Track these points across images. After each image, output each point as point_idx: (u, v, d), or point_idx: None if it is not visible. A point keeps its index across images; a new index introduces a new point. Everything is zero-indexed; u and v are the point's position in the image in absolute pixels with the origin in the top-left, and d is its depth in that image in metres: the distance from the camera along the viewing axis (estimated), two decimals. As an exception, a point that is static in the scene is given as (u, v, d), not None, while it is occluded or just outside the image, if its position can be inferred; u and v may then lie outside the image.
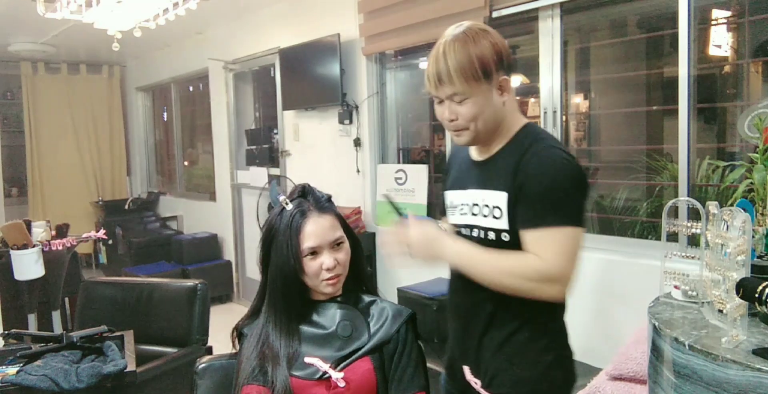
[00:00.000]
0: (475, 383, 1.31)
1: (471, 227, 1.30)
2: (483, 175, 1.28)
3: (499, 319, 1.27)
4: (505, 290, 1.18)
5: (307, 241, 1.26)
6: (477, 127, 1.22)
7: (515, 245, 1.21)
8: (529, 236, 1.17)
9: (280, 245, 1.27)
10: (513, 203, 1.20)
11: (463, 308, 1.34)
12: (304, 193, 1.33)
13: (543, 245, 1.15)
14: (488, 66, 1.17)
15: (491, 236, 1.25)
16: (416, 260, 1.28)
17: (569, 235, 1.15)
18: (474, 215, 1.29)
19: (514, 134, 1.26)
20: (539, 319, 1.26)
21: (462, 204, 1.33)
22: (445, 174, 1.47)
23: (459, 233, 1.34)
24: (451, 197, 1.38)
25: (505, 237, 1.23)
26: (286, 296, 1.28)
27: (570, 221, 1.15)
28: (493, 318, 1.27)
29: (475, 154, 1.33)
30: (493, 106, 1.22)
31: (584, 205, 1.20)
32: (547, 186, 1.16)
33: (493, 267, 1.19)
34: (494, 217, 1.23)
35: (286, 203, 1.30)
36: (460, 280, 1.30)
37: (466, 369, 1.35)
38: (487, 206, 1.25)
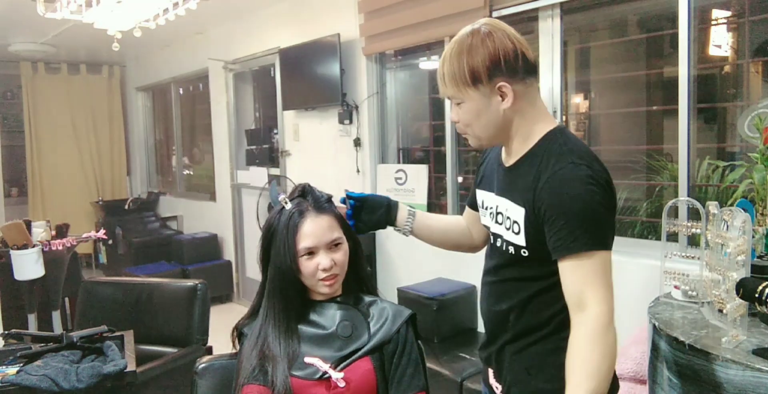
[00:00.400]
0: (497, 387, 1.32)
1: (497, 236, 1.28)
2: (506, 182, 1.25)
3: (521, 328, 1.24)
4: (610, 363, 1.10)
5: (304, 241, 1.26)
6: (474, 131, 1.21)
7: (534, 259, 1.19)
8: (562, 267, 1.13)
9: (278, 244, 1.27)
10: (531, 220, 1.16)
11: (490, 314, 1.32)
12: (304, 193, 1.33)
13: (576, 281, 1.10)
14: (478, 72, 1.14)
15: (511, 250, 1.23)
16: None
17: (600, 262, 1.09)
18: (498, 223, 1.27)
19: (536, 143, 1.20)
20: (562, 333, 1.18)
21: (490, 207, 1.31)
22: (478, 167, 1.43)
23: (491, 239, 1.32)
24: (482, 196, 1.35)
25: (524, 253, 1.20)
26: (285, 295, 1.29)
27: (599, 246, 1.10)
28: (515, 326, 1.25)
29: (504, 156, 1.28)
30: (491, 112, 1.18)
31: (611, 219, 1.14)
32: (571, 209, 1.09)
33: (590, 372, 1.08)
34: (514, 232, 1.21)
35: (286, 202, 1.30)
36: (487, 286, 1.32)
37: (491, 372, 1.35)
38: (509, 218, 1.22)
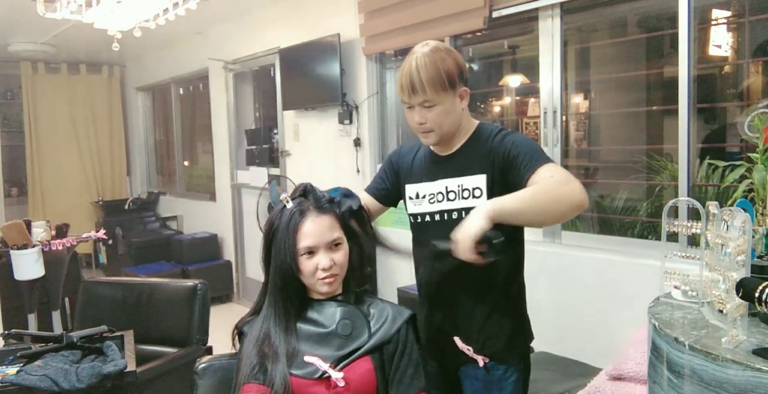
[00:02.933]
0: (468, 349, 1.50)
1: (448, 212, 1.49)
2: (453, 166, 1.50)
3: (482, 293, 1.50)
4: (560, 207, 1.32)
5: (304, 240, 1.26)
6: (442, 129, 1.45)
7: None
8: (536, 175, 1.36)
9: (279, 243, 1.28)
10: (495, 178, 1.43)
11: (445, 292, 1.54)
12: (305, 192, 1.34)
13: (544, 172, 1.35)
14: (453, 78, 1.41)
15: (460, 216, 1.43)
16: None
17: (558, 166, 1.44)
18: (450, 200, 1.49)
19: (473, 132, 1.51)
20: (512, 288, 1.54)
21: (431, 193, 1.53)
22: (395, 172, 1.65)
23: (423, 221, 1.54)
24: (416, 188, 1.57)
25: None
26: (285, 294, 1.29)
27: (552, 161, 1.41)
28: (478, 294, 1.50)
29: (437, 151, 1.54)
30: (456, 112, 1.45)
31: None
32: (525, 146, 1.42)
33: (532, 195, 1.33)
34: (474, 197, 1.45)
35: (287, 202, 1.31)
36: (434, 271, 1.54)
37: (457, 339, 1.52)
38: (466, 189, 1.46)
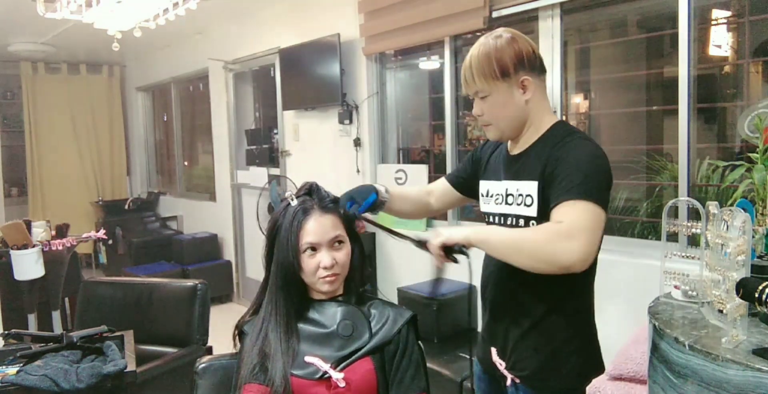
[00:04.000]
0: (500, 364, 1.41)
1: (506, 216, 1.39)
2: (516, 167, 1.38)
3: (527, 307, 1.35)
4: (525, 260, 1.20)
5: (307, 237, 1.27)
6: (500, 122, 1.35)
7: None
8: (556, 210, 1.22)
9: (282, 240, 1.29)
10: (543, 190, 1.28)
11: (492, 297, 1.44)
12: (310, 191, 1.35)
13: (565, 214, 1.19)
14: (506, 67, 1.30)
15: (521, 223, 1.34)
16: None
17: (590, 209, 1.18)
18: (508, 204, 1.38)
19: (546, 130, 1.35)
20: (566, 308, 1.34)
21: (497, 194, 1.43)
22: (475, 162, 1.57)
23: (490, 222, 1.45)
24: (487, 186, 1.48)
25: (534, 224, 1.30)
26: (286, 292, 1.29)
27: (592, 198, 1.19)
28: (521, 306, 1.36)
29: (510, 148, 1.43)
30: (515, 104, 1.33)
31: (608, 190, 1.26)
32: (574, 166, 1.23)
33: (511, 236, 1.25)
34: (525, 205, 1.33)
35: (292, 199, 1.32)
36: (491, 273, 1.43)
37: (494, 350, 1.44)
38: (521, 194, 1.34)
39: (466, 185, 1.59)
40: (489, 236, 1.25)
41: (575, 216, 1.17)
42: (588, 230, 1.16)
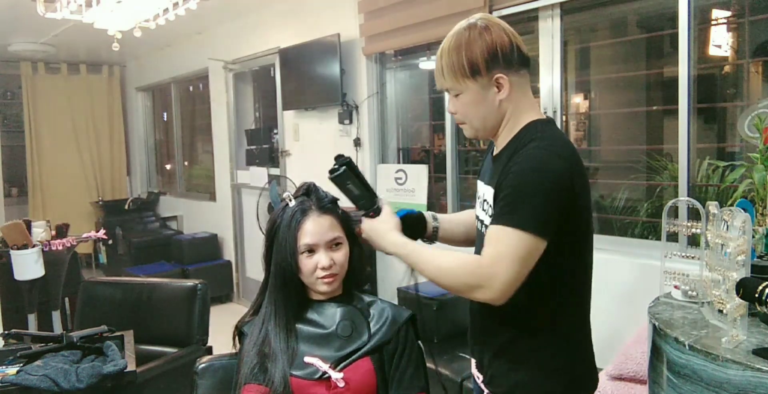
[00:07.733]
0: (478, 377, 1.34)
1: (481, 221, 1.31)
2: (491, 170, 1.28)
3: (495, 326, 1.26)
4: (447, 289, 1.18)
5: (304, 238, 1.27)
6: (473, 122, 1.25)
7: None
8: (488, 233, 1.15)
9: (280, 241, 1.28)
10: (495, 199, 1.19)
11: (471, 311, 1.35)
12: (308, 191, 1.34)
13: (490, 242, 1.13)
14: (477, 64, 1.17)
15: (483, 229, 1.26)
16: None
17: (518, 238, 1.09)
18: (484, 209, 1.29)
19: (518, 132, 1.23)
20: (538, 327, 1.22)
21: (479, 196, 1.34)
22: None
23: (478, 227, 1.36)
24: (478, 187, 1.38)
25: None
26: (285, 293, 1.29)
27: (522, 225, 1.09)
28: (490, 324, 1.28)
29: (495, 147, 1.31)
30: (489, 103, 1.21)
31: (548, 213, 1.12)
32: (514, 184, 1.12)
33: (431, 263, 1.19)
34: (483, 210, 1.28)
35: (290, 200, 1.32)
36: None
37: (473, 362, 1.38)
38: (485, 201, 1.27)
39: None
40: (416, 261, 1.21)
41: (501, 247, 1.10)
42: (511, 262, 1.09)
